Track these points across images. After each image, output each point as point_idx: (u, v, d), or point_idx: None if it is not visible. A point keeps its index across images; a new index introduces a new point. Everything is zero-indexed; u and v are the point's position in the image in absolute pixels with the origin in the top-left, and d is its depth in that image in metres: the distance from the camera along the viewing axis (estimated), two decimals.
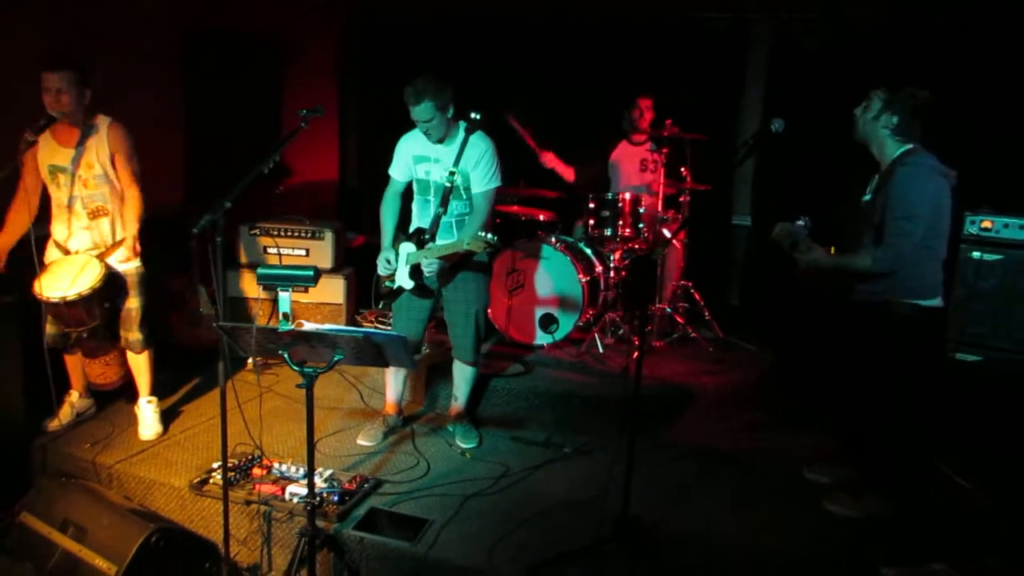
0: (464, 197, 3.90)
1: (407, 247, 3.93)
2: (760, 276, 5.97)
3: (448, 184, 3.83)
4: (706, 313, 5.45)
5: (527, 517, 3.44)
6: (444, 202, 3.86)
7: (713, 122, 5.78)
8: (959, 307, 4.30)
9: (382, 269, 3.98)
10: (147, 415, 4.09)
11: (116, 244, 3.89)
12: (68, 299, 3.62)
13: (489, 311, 5.16)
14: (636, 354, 3.29)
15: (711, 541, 3.34)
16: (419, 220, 4.01)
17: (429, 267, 3.82)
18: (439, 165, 3.86)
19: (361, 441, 4.10)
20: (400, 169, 4.01)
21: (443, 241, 3.89)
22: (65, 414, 4.12)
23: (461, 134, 3.84)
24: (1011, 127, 5.11)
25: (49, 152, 3.77)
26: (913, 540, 3.36)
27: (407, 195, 4.08)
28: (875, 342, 3.46)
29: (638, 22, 6.09)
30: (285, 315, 2.81)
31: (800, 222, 3.54)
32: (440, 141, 3.82)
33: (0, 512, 3.58)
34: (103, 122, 3.82)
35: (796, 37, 5.74)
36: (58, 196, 3.83)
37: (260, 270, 2.89)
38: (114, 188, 3.87)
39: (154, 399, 4.14)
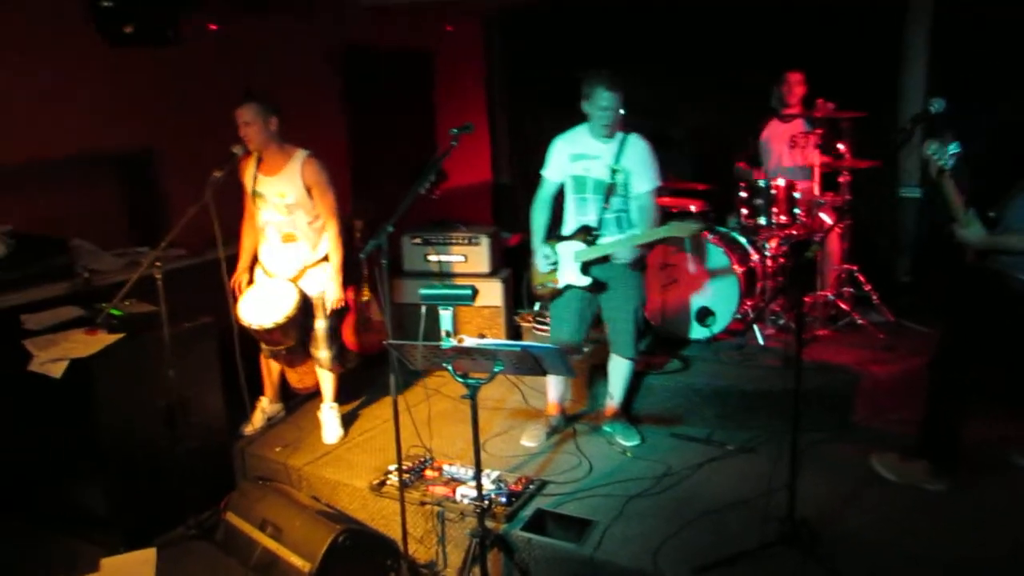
0: (622, 194, 3.95)
1: (573, 245, 4.00)
2: (934, 251, 5.61)
3: (611, 181, 3.91)
4: (874, 297, 5.20)
5: (691, 518, 3.46)
6: (607, 198, 3.93)
7: (872, 93, 5.48)
8: None
9: (545, 266, 4.06)
10: (330, 420, 4.42)
11: (305, 268, 4.22)
12: (265, 327, 4.01)
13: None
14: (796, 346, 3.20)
15: (887, 544, 3.22)
16: (579, 217, 4.05)
17: (623, 256, 3.92)
18: (599, 162, 3.93)
19: (525, 442, 4.24)
20: (556, 169, 4.08)
21: (620, 235, 3.97)
22: (258, 419, 4.53)
23: (619, 133, 3.93)
24: None
25: (250, 178, 4.13)
26: None
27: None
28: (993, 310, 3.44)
29: None
30: (447, 332, 2.97)
31: (952, 147, 3.30)
32: (608, 136, 3.90)
33: (209, 509, 4.01)
34: (300, 155, 4.08)
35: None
36: (257, 217, 4.21)
37: (422, 291, 3.09)
38: (306, 216, 4.14)
39: (336, 405, 4.47)
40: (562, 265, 4.04)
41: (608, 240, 3.95)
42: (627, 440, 4.18)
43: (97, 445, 3.71)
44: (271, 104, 4.01)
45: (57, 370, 3.56)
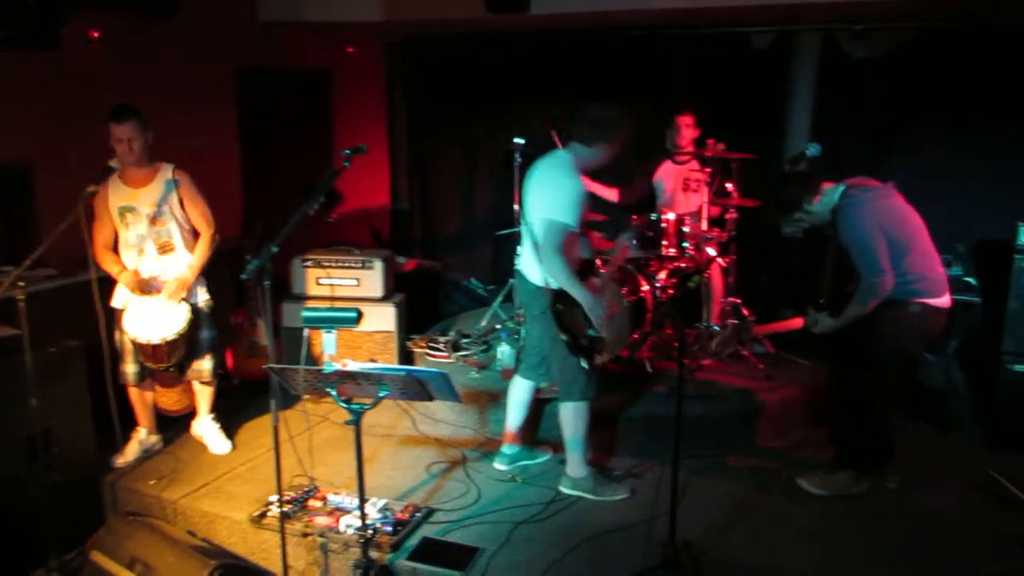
0: None
1: None
2: (815, 288, 5.87)
3: None
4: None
5: (576, 543, 3.48)
6: None
7: (760, 136, 5.73)
8: (1016, 319, 4.19)
9: None
10: (213, 432, 4.37)
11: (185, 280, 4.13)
12: (168, 340, 3.92)
13: None
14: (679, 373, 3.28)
15: (761, 564, 3.32)
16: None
17: None
18: None
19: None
20: None
21: None
22: (132, 451, 4.29)
23: None
24: None
25: (119, 195, 4.00)
26: (969, 554, 3.33)
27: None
28: (881, 336, 3.69)
29: (679, 37, 6.08)
30: (331, 356, 2.90)
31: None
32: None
33: (73, 549, 3.75)
34: (167, 167, 4.08)
35: (845, 45, 5.65)
36: (126, 236, 4.05)
37: (305, 313, 3.00)
38: (181, 226, 4.10)
39: (214, 416, 4.41)
40: None
41: None
42: (536, 458, 4.22)
43: None
44: (145, 119, 3.94)
45: None
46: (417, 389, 2.99)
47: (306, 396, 4.83)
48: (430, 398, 3.11)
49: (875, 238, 3.52)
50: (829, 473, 3.91)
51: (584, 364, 3.75)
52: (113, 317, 4.09)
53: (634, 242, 4.11)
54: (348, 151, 3.47)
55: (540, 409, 4.57)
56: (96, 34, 4.75)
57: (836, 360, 3.82)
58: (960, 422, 4.52)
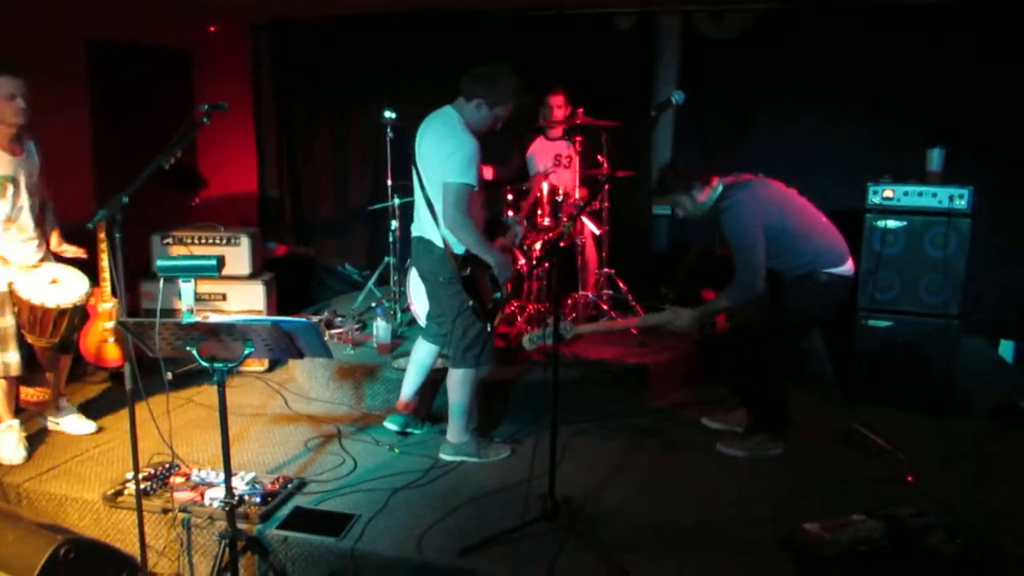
0: None
1: None
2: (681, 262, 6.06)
3: None
4: (630, 299, 5.50)
5: (456, 505, 3.42)
6: None
7: (628, 111, 5.87)
8: (868, 276, 4.44)
9: None
10: (73, 412, 4.14)
11: (48, 254, 3.96)
12: (75, 304, 3.75)
13: (414, 307, 5.12)
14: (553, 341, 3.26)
15: (639, 514, 3.36)
16: None
17: None
18: None
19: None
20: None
21: None
22: (20, 446, 3.84)
23: None
24: (907, 101, 5.34)
25: (2, 163, 3.66)
26: (833, 496, 3.46)
27: None
28: (790, 307, 3.78)
29: (548, 18, 6.16)
30: (189, 308, 2.73)
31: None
32: None
33: None
34: (29, 136, 3.82)
35: (703, 26, 5.87)
36: (3, 208, 3.70)
37: (159, 262, 2.79)
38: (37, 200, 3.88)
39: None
40: None
41: None
42: (417, 428, 4.13)
43: None
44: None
45: None
46: (285, 343, 2.85)
47: (168, 375, 4.62)
48: (300, 355, 2.98)
49: (757, 237, 3.60)
50: (746, 437, 3.97)
51: (489, 329, 3.69)
52: None
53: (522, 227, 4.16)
54: (207, 107, 3.30)
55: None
56: None
57: (743, 328, 3.89)
58: (821, 378, 4.73)
